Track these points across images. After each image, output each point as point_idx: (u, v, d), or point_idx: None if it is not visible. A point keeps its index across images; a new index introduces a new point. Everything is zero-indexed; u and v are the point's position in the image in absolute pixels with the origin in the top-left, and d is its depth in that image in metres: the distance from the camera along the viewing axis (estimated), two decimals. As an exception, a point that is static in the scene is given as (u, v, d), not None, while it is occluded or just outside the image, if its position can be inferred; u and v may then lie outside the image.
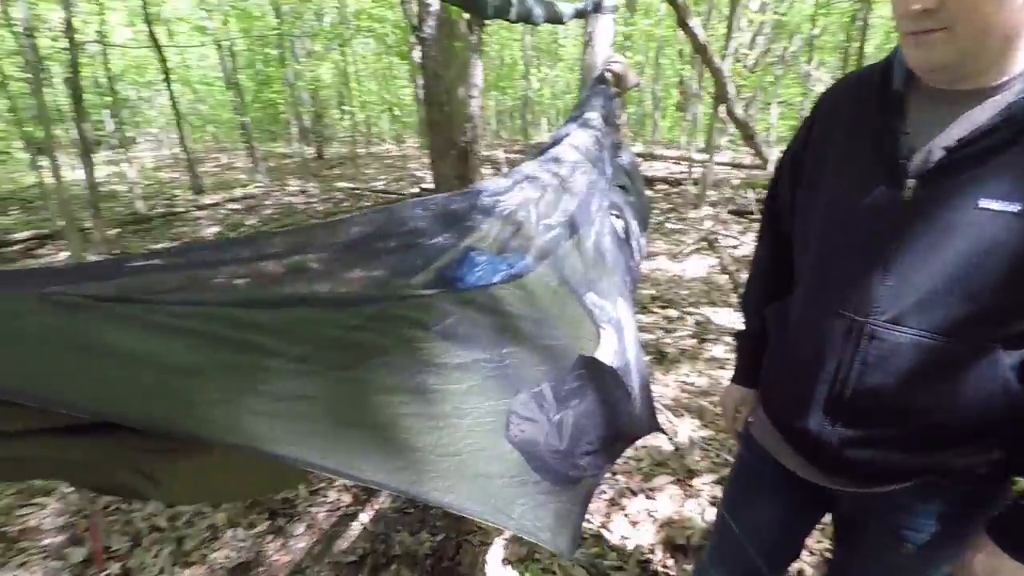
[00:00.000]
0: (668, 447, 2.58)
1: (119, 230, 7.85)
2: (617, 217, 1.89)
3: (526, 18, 1.77)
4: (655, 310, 4.29)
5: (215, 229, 7.99)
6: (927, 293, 0.83)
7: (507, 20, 1.73)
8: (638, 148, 12.93)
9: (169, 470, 0.67)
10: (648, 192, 5.72)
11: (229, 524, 2.11)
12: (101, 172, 12.74)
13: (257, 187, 11.31)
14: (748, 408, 1.17)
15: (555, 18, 2.67)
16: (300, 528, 2.12)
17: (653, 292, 4.68)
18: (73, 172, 11.53)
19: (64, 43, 7.24)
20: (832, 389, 0.91)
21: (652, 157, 12.01)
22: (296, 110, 15.84)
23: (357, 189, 10.39)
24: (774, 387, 1.06)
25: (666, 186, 9.30)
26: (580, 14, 2.94)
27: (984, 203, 0.78)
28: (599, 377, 0.96)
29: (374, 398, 0.71)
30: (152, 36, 10.46)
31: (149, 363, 0.53)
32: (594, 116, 2.05)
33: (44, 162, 7.19)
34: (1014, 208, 0.76)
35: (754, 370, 1.13)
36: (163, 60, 10.72)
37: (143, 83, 16.91)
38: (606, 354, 1.05)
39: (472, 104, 5.11)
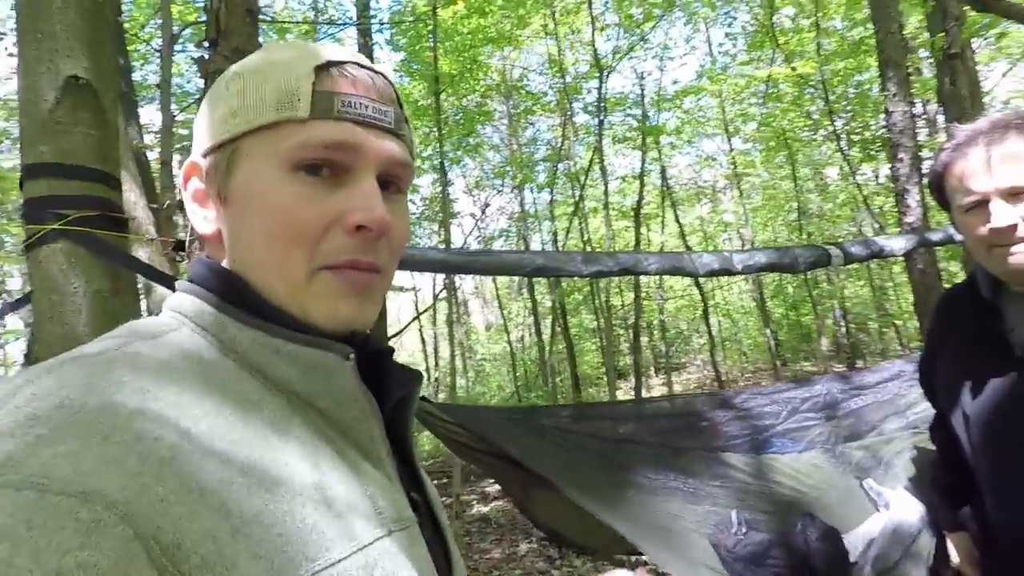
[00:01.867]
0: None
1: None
2: None
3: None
4: None
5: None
6: None
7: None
8: None
9: (534, 496, 1.36)
10: None
11: None
12: (656, 392, 15.88)
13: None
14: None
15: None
16: None
17: None
18: (629, 393, 14.81)
19: (631, 295, 10.16)
20: None
21: None
22: (827, 328, 16.02)
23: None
24: None
25: None
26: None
27: None
28: (811, 528, 1.15)
29: (650, 498, 1.26)
30: (697, 284, 13.21)
31: (544, 450, 1.29)
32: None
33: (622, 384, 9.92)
34: None
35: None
36: (703, 300, 13.27)
37: (693, 318, 20.54)
38: (867, 529, 1.20)
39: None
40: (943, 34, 3.72)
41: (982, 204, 0.97)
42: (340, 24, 8.12)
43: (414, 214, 12.23)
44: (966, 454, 1.06)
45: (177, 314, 0.51)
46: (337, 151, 0.50)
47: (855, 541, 1.21)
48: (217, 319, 0.50)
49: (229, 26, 1.14)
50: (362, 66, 0.53)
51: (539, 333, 15.96)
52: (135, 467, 0.36)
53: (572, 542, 1.46)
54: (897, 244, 1.86)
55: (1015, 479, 0.95)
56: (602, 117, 8.94)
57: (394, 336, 11.50)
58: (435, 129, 7.02)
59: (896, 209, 4.48)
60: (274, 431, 0.45)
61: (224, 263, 0.53)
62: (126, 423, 0.38)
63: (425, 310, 13.95)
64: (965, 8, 3.70)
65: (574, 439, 1.28)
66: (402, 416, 0.58)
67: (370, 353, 0.55)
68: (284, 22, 8.66)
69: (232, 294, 0.51)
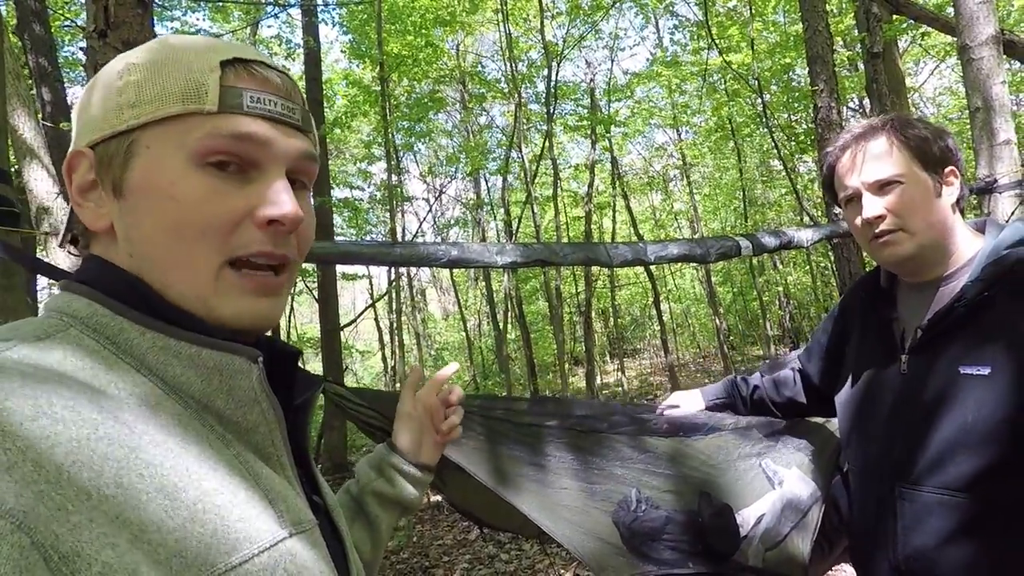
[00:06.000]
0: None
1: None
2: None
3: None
4: None
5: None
6: (936, 453, 0.90)
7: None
8: None
9: (446, 478, 1.38)
10: None
11: None
12: (610, 378, 16.22)
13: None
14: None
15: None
16: None
17: None
18: (581, 379, 15.10)
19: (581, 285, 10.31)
20: (889, 555, 0.96)
21: None
22: (773, 313, 16.67)
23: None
24: (855, 564, 1.08)
25: None
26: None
27: (964, 369, 0.88)
28: (705, 506, 1.24)
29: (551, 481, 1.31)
30: (648, 271, 13.50)
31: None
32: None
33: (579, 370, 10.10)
34: (985, 371, 0.85)
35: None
36: (654, 288, 13.59)
37: (644, 305, 20.97)
38: (760, 505, 1.29)
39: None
40: (866, 33, 3.90)
41: (856, 198, 1.06)
42: (284, 4, 7.86)
43: (366, 201, 12.01)
44: (841, 435, 1.15)
45: (64, 315, 0.48)
46: (245, 144, 0.50)
47: (748, 516, 1.30)
48: (114, 321, 0.48)
49: (119, 17, 1.10)
50: (268, 66, 0.54)
51: (495, 321, 16.01)
52: (31, 474, 0.35)
53: (491, 524, 1.51)
54: (805, 235, 1.98)
55: (864, 453, 1.05)
56: (552, 108, 8.98)
57: (348, 325, 11.36)
58: (384, 115, 6.92)
59: (824, 199, 4.69)
60: (172, 436, 0.44)
61: (117, 259, 0.51)
62: (18, 429, 0.36)
63: (378, 299, 13.78)
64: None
65: (487, 424, 1.32)
66: (303, 421, 0.59)
67: (278, 357, 0.56)
68: (228, 1, 8.33)
69: (130, 295, 0.49)
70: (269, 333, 0.59)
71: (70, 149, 0.53)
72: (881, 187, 1.02)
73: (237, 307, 0.51)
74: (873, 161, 1.03)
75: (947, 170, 1.02)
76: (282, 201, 0.51)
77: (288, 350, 0.59)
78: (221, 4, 8.02)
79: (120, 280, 0.51)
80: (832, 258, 5.20)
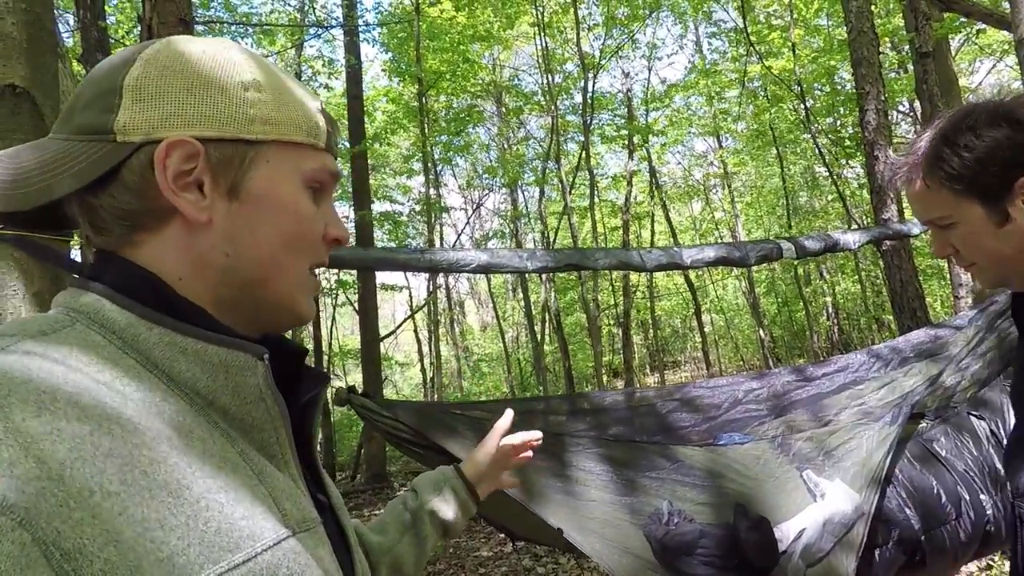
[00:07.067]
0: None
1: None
2: (978, 419, 1.73)
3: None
4: None
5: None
6: None
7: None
8: None
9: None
10: None
11: None
12: (650, 391, 15.88)
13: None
14: None
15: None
16: None
17: None
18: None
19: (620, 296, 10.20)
20: None
21: None
22: (821, 324, 16.10)
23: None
24: None
25: None
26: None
27: None
28: (741, 519, 1.18)
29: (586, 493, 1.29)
30: (688, 282, 13.28)
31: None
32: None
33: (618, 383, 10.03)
34: None
35: None
36: (695, 298, 13.34)
37: (684, 316, 20.58)
38: (801, 518, 1.22)
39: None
40: (915, 33, 3.75)
41: None
42: (327, 26, 8.12)
43: (406, 214, 12.20)
44: None
45: (70, 311, 0.49)
46: (330, 176, 0.59)
47: (787, 530, 1.24)
48: (121, 316, 0.48)
49: (161, 36, 1.17)
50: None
51: (533, 332, 15.92)
52: (33, 471, 0.35)
53: (524, 537, 1.49)
54: (852, 238, 1.90)
55: (1010, 476, 0.96)
56: (588, 118, 8.97)
57: (387, 336, 11.53)
58: (422, 130, 7.03)
59: (872, 204, 4.53)
60: (177, 433, 0.44)
61: (195, 252, 0.52)
62: (21, 426, 0.36)
63: (417, 309, 13.94)
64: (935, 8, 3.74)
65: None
66: (309, 418, 0.59)
67: (284, 354, 0.56)
68: (274, 25, 8.68)
69: (144, 291, 0.50)
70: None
71: (159, 133, 0.50)
72: (941, 225, 0.93)
73: (309, 305, 0.59)
74: (919, 204, 0.94)
75: (1020, 182, 0.84)
76: (341, 222, 0.62)
77: (294, 348, 0.61)
78: (268, 27, 8.35)
79: (135, 277, 0.51)
80: (882, 265, 5.00)
